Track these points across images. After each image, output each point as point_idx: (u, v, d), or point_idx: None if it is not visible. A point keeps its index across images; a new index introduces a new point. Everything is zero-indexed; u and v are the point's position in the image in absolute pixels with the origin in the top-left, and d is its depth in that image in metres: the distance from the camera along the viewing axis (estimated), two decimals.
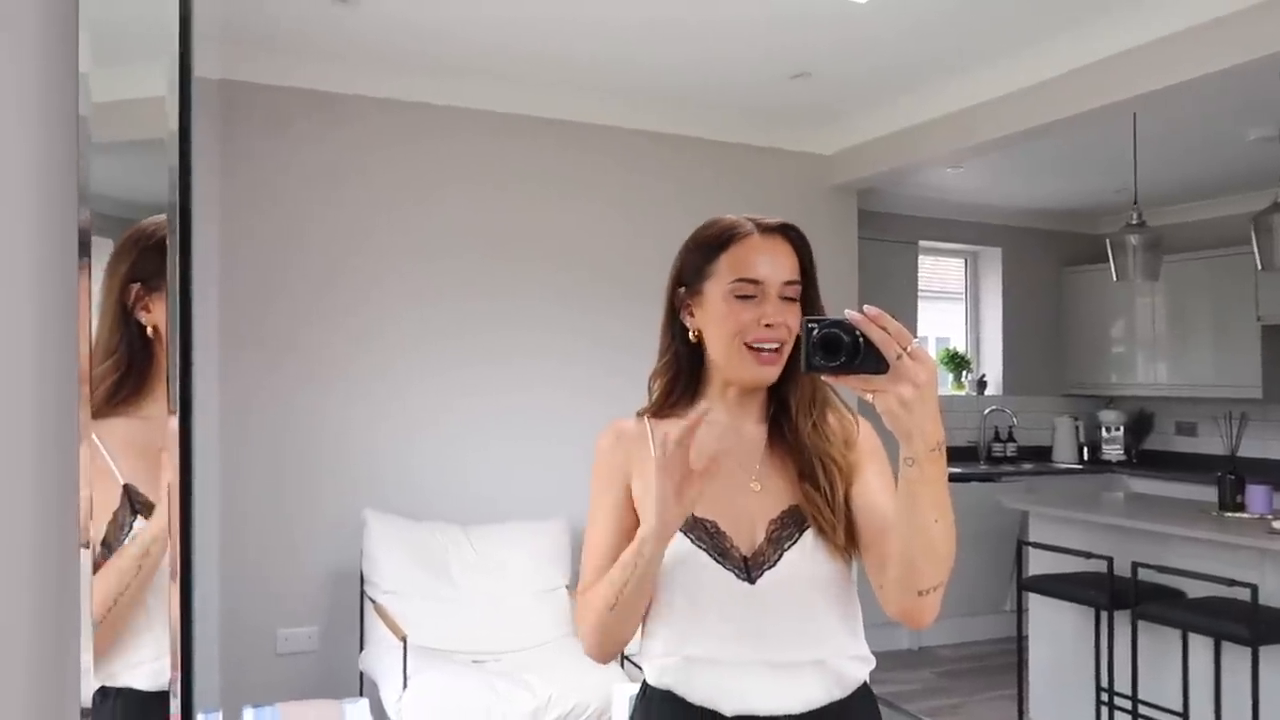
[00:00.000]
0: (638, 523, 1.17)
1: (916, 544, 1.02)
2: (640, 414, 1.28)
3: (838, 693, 1.14)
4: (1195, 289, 4.98)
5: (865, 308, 0.94)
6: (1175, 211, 5.14)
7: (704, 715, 1.13)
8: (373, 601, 3.04)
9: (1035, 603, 3.68)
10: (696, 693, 1.13)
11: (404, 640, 2.64)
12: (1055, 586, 3.33)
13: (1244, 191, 4.82)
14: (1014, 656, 3.62)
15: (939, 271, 5.68)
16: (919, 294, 5.27)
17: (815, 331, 0.97)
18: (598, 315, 3.71)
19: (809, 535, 1.14)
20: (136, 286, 0.55)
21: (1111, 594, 3.06)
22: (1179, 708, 3.13)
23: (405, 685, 2.63)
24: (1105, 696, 3.27)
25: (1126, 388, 5.46)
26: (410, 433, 3.43)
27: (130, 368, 0.55)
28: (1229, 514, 3.30)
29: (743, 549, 1.14)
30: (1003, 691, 3.92)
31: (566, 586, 3.30)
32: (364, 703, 2.68)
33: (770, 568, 1.13)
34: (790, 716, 1.12)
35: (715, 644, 1.13)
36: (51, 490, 0.49)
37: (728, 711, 1.12)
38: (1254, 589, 2.66)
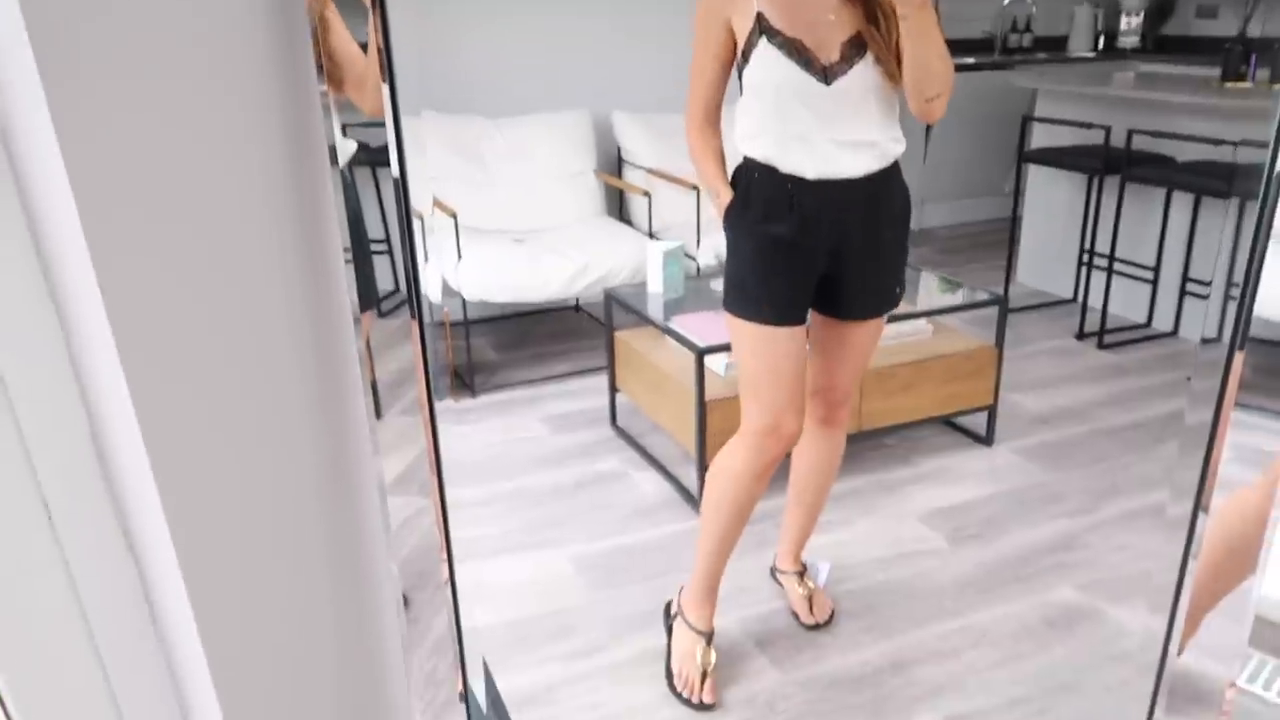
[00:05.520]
0: (733, 55, 1.52)
1: (919, 69, 1.43)
2: None
3: (885, 164, 1.56)
4: None
5: None
6: None
7: (792, 179, 1.53)
8: None
9: (1033, 180, 3.92)
10: (787, 163, 1.53)
11: (454, 217, 2.90)
12: (1054, 156, 3.54)
13: None
14: (1007, 234, 3.92)
15: None
16: None
17: None
18: None
19: (870, 56, 1.47)
20: None
21: (1106, 159, 3.27)
22: (1152, 263, 3.49)
23: (460, 257, 2.93)
24: (1086, 258, 3.61)
25: None
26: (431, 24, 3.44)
27: None
28: (1230, 84, 3.41)
29: (822, 60, 1.47)
30: (994, 263, 4.28)
31: (593, 171, 3.51)
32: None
33: (842, 75, 1.47)
34: (853, 178, 1.53)
35: (801, 127, 1.50)
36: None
37: (810, 175, 1.52)
38: (1236, 146, 2.85)
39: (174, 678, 0.85)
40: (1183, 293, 3.42)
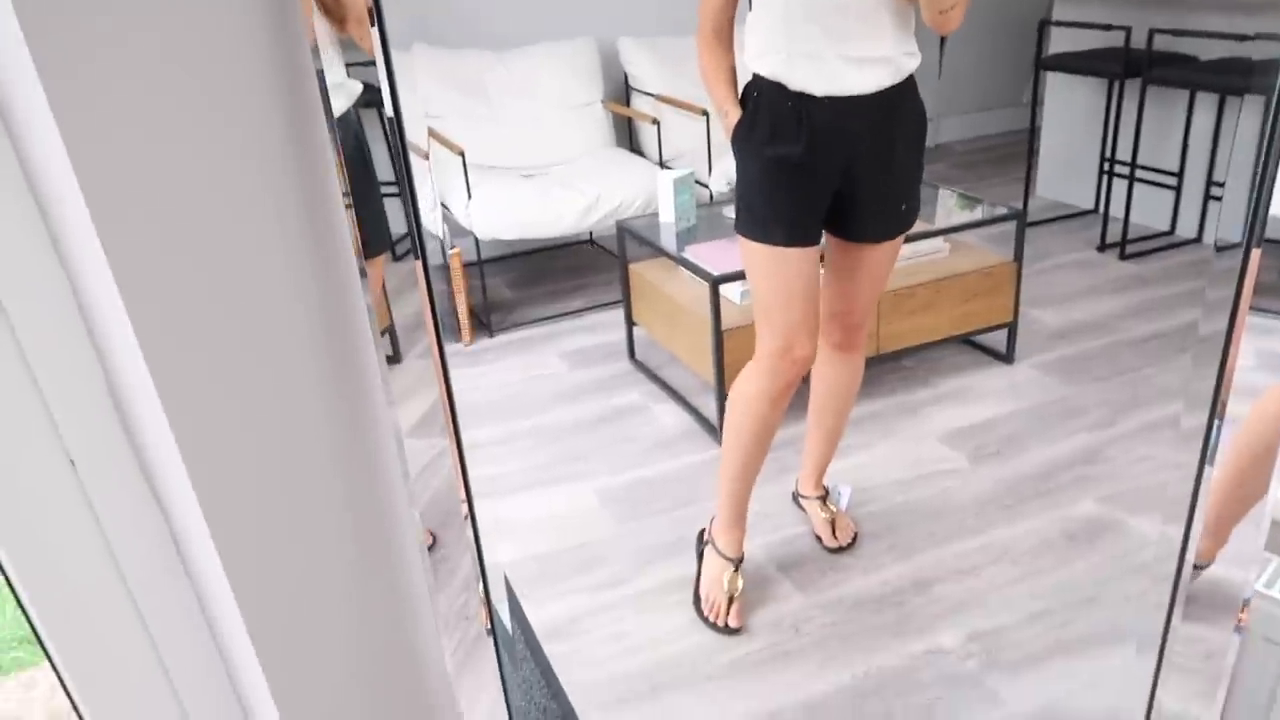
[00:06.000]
0: None
1: None
2: None
3: (898, 79, 1.51)
4: None
5: None
6: None
7: (801, 97, 1.50)
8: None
9: (1051, 88, 3.82)
10: (795, 80, 1.49)
11: (462, 154, 2.87)
12: (1073, 62, 3.45)
13: None
14: (1025, 146, 3.84)
15: None
16: None
17: None
18: None
19: None
20: None
21: (1126, 62, 3.18)
22: (1175, 169, 3.41)
23: (470, 195, 2.91)
24: (1107, 166, 3.54)
25: None
26: None
27: None
28: None
29: None
30: (1012, 176, 4.20)
31: (600, 101, 3.46)
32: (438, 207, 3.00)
33: None
34: (863, 95, 1.49)
35: (809, 43, 1.47)
36: None
37: (818, 93, 1.49)
38: (1255, 39, 2.76)
39: (212, 630, 0.87)
40: (1207, 198, 3.35)
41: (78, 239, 0.68)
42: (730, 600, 1.78)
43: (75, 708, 0.82)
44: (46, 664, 0.80)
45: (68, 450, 0.74)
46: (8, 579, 0.76)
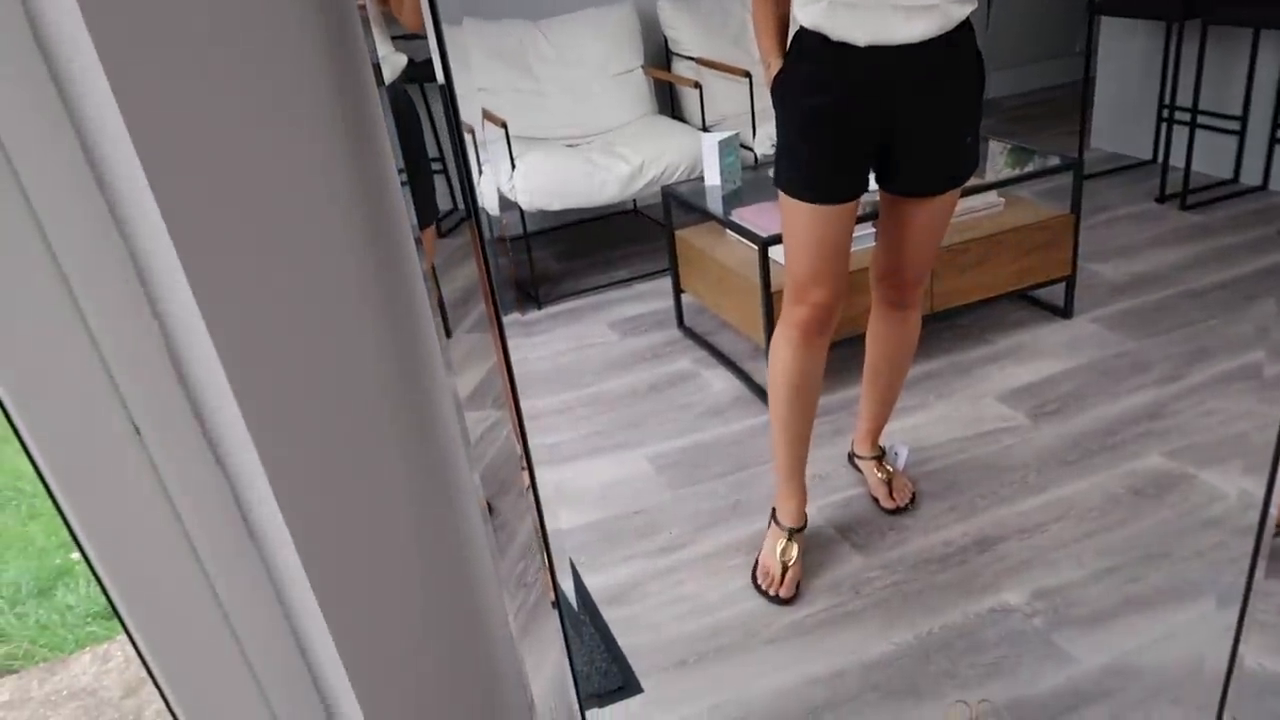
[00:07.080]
0: None
1: None
2: None
3: (948, 27, 1.44)
4: None
5: None
6: None
7: (842, 47, 1.45)
8: None
9: (1105, 34, 3.70)
10: (838, 30, 1.44)
11: (504, 126, 2.86)
12: (1128, 4, 3.34)
13: None
14: (1078, 98, 3.72)
15: None
16: None
17: None
18: None
19: None
20: None
21: (1185, 1, 3.06)
22: (1238, 113, 3.28)
23: (514, 166, 2.90)
24: (1166, 113, 3.42)
25: None
26: None
27: None
28: None
29: None
30: (1066, 129, 4.08)
31: (641, 67, 3.42)
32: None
33: None
34: (908, 45, 1.43)
35: None
36: None
37: (860, 43, 1.43)
38: None
39: (279, 593, 0.88)
40: (1273, 141, 3.22)
41: (137, 209, 0.68)
42: (784, 570, 1.76)
43: (150, 673, 0.83)
44: (120, 638, 0.81)
45: (133, 419, 0.75)
46: (83, 550, 0.78)
